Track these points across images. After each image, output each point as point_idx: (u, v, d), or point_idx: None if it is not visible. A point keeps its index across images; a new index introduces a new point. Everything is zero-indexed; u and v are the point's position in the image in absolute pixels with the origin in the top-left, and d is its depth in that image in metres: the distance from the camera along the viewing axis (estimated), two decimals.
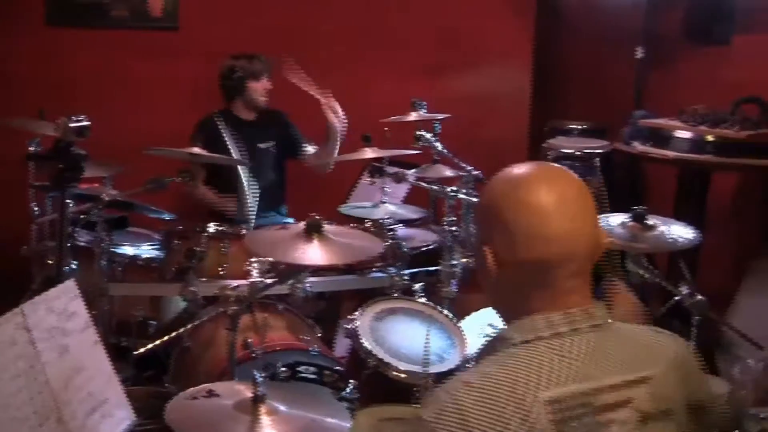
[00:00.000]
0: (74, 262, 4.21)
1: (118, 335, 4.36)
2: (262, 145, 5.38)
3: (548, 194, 1.68)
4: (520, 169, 1.76)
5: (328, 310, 4.57)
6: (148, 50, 6.11)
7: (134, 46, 6.10)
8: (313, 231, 2.94)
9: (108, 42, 6.05)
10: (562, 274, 1.68)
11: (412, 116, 4.61)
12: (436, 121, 4.79)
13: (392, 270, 4.27)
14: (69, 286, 2.54)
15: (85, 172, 3.17)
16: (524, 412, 1.56)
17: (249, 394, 2.51)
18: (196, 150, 4.23)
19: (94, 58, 6.03)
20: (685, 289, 3.17)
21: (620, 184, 5.95)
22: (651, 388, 1.66)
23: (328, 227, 3.08)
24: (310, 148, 5.52)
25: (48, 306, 2.42)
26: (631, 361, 1.68)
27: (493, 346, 1.73)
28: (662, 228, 3.40)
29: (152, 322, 4.44)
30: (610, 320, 1.73)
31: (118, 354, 4.28)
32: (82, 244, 4.43)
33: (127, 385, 4.37)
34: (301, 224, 3.02)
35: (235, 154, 5.15)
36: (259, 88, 5.33)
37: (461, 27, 6.43)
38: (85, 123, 3.12)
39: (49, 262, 4.38)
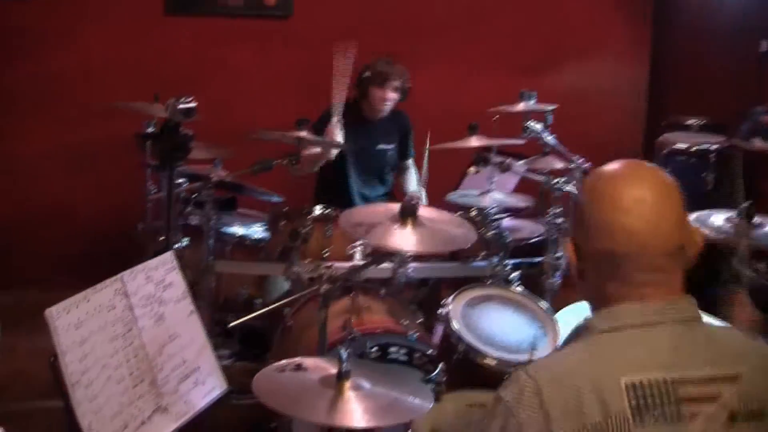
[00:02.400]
0: (186, 239, 4.37)
1: (225, 312, 4.47)
2: (381, 147, 5.36)
3: (626, 190, 1.71)
4: (610, 166, 1.80)
5: (430, 296, 4.60)
6: (260, 38, 6.28)
7: (248, 33, 6.26)
8: (407, 215, 2.95)
9: (222, 29, 6.23)
10: (632, 268, 1.69)
11: (520, 107, 4.58)
12: (548, 113, 4.75)
13: (495, 259, 4.27)
14: (167, 258, 2.65)
15: (192, 152, 3.27)
16: (602, 396, 1.57)
17: (335, 370, 2.56)
18: (302, 134, 4.28)
19: (209, 45, 6.22)
20: None
21: (737, 181, 5.82)
22: (740, 387, 1.64)
23: (424, 212, 3.09)
24: (410, 165, 5.55)
25: (147, 275, 2.53)
26: (720, 357, 1.66)
27: (578, 333, 1.75)
28: None
29: (257, 300, 4.54)
30: (700, 318, 1.72)
31: (224, 330, 4.43)
32: (194, 223, 4.58)
33: (232, 360, 4.56)
34: (397, 207, 3.03)
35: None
36: (379, 96, 5.18)
37: (576, 19, 6.42)
38: (192, 104, 3.21)
39: (162, 238, 4.53)
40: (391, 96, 5.19)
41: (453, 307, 3.43)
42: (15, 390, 4.66)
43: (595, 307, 1.77)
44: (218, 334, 4.27)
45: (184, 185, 4.32)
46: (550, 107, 4.65)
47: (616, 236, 1.69)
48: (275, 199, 4.88)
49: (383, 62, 5.18)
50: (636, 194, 1.70)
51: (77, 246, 5.98)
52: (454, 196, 4.91)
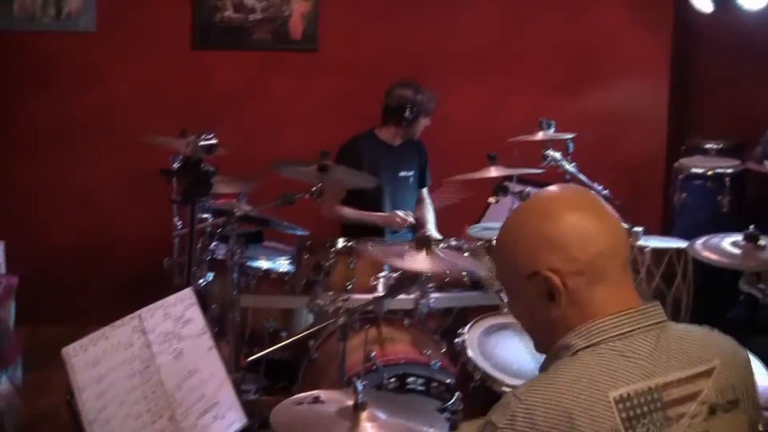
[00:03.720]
0: (210, 273, 4.42)
1: (251, 345, 4.50)
2: (402, 174, 5.43)
3: (577, 201, 1.80)
4: (541, 194, 1.88)
5: (456, 326, 4.64)
6: (288, 71, 6.38)
7: (275, 66, 6.35)
8: (422, 245, 3.01)
9: (250, 63, 6.32)
10: (618, 264, 1.75)
11: (539, 136, 4.62)
12: (569, 140, 4.78)
13: None
14: (186, 294, 2.68)
15: (218, 187, 3.32)
16: (593, 412, 1.59)
17: (352, 401, 2.59)
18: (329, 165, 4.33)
19: (236, 78, 6.33)
20: None
21: (754, 204, 5.82)
22: (716, 380, 1.69)
23: (439, 247, 3.15)
24: (426, 197, 5.64)
25: (165, 312, 2.57)
26: (693, 355, 1.71)
27: (557, 354, 1.75)
28: None
29: (283, 333, 4.58)
30: (667, 320, 1.76)
31: (251, 364, 4.46)
32: (220, 257, 4.63)
33: (258, 394, 4.59)
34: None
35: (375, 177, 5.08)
36: (424, 125, 5.35)
37: (595, 43, 6.45)
38: (214, 141, 3.26)
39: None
40: (429, 123, 5.36)
41: (469, 335, 3.47)
42: (41, 428, 4.72)
43: (559, 337, 1.76)
44: (244, 368, 4.31)
45: (209, 220, 4.38)
46: (569, 135, 4.68)
47: (598, 238, 1.73)
48: (300, 232, 4.92)
49: (426, 94, 5.28)
50: (587, 200, 1.81)
51: (109, 282, 6.08)
52: (475, 229, 4.94)
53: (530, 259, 1.77)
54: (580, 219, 1.74)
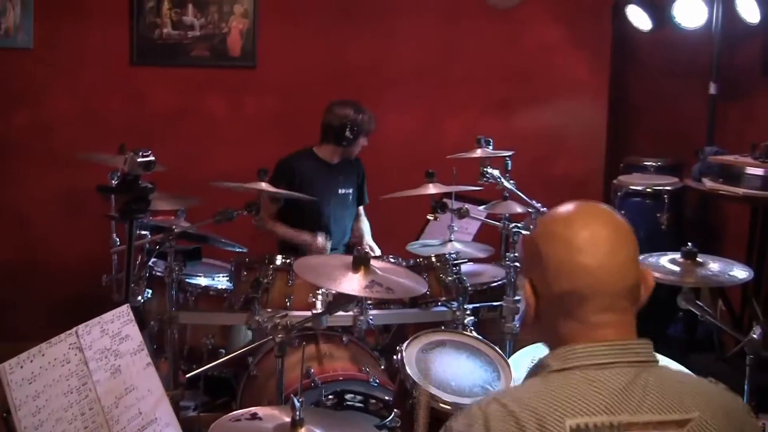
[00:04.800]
0: (149, 290, 4.40)
1: (190, 362, 4.48)
2: (341, 191, 5.45)
3: (580, 230, 1.75)
4: (563, 207, 1.83)
5: (394, 343, 4.66)
6: (226, 88, 6.38)
7: (213, 83, 6.36)
8: (359, 264, 3.03)
9: (189, 80, 6.32)
10: (591, 308, 1.72)
11: (477, 153, 4.65)
12: (507, 158, 4.81)
13: (454, 304, 4.33)
14: (123, 311, 2.67)
15: (151, 205, 3.30)
16: None
17: (290, 418, 2.60)
18: (263, 185, 4.35)
19: (175, 95, 6.31)
20: (757, 330, 3.06)
21: (692, 221, 5.93)
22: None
23: (376, 263, 3.16)
24: (362, 213, 5.69)
25: (102, 328, 2.56)
26: (670, 402, 1.66)
27: (535, 372, 1.77)
28: (713, 265, 3.41)
29: (222, 350, 4.57)
30: (657, 360, 1.75)
31: (189, 381, 4.43)
32: (159, 273, 4.61)
33: (198, 411, 4.57)
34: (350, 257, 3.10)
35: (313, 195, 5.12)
36: (363, 145, 5.37)
37: (535, 64, 6.54)
38: (151, 158, 3.25)
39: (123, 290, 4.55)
40: (366, 143, 5.38)
41: (407, 352, 3.48)
42: None
43: (551, 347, 1.79)
44: (183, 384, 4.28)
45: (148, 237, 4.36)
46: (507, 153, 4.72)
47: (573, 276, 1.71)
48: (239, 249, 4.92)
49: (367, 114, 5.29)
50: (590, 234, 1.74)
51: (47, 299, 6.00)
52: (415, 246, 4.97)
53: (528, 262, 1.84)
54: (571, 251, 1.73)
